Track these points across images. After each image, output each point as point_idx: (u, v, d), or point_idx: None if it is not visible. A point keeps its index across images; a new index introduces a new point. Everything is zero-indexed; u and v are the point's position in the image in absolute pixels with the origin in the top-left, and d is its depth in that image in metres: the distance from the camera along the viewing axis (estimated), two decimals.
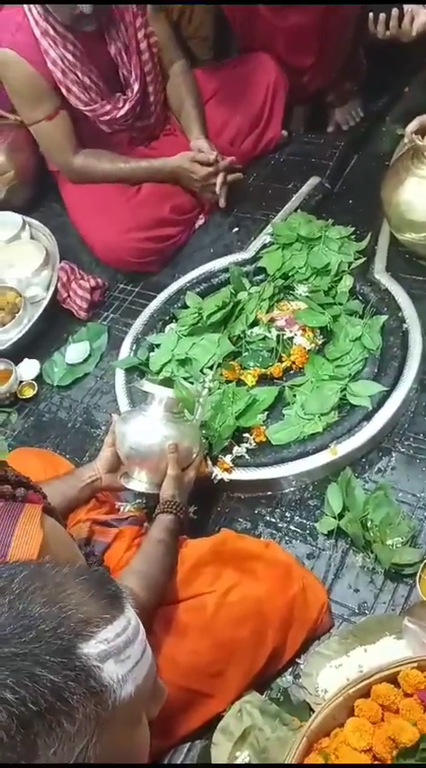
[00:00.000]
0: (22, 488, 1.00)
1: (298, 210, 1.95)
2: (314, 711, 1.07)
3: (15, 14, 1.87)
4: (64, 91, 1.95)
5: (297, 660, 1.26)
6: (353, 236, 1.81)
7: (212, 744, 1.17)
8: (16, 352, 1.96)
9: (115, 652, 0.54)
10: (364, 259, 1.75)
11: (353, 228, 1.82)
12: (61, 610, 0.54)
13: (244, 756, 1.14)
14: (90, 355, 1.92)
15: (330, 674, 1.20)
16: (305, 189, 2.02)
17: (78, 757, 0.50)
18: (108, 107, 2.00)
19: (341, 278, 1.72)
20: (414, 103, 2.21)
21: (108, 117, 2.02)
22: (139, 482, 1.39)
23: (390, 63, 2.29)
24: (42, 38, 1.87)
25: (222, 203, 2.03)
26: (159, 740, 1.19)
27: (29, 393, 1.90)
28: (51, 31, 1.86)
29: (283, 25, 2.05)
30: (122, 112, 2.02)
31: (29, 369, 1.93)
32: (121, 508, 1.47)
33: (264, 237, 1.92)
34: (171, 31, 2.11)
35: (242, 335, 1.68)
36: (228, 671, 1.21)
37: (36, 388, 1.90)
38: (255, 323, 1.69)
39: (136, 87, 2.00)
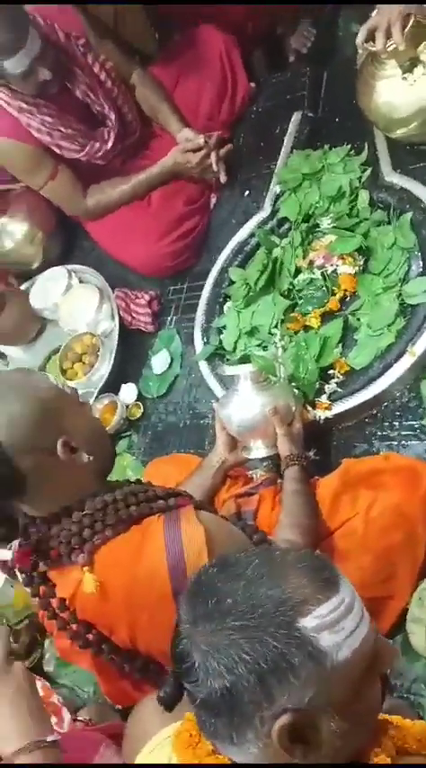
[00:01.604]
0: (171, 498, 1.21)
1: (294, 151, 2.03)
2: None
3: None
4: (56, 150, 2.13)
5: None
6: (352, 152, 1.88)
7: (409, 634, 1.36)
8: (113, 383, 2.18)
9: (329, 625, 0.70)
10: (370, 168, 1.81)
11: (349, 145, 1.89)
12: (283, 592, 0.71)
13: None
14: (172, 359, 2.11)
15: None
16: (291, 128, 2.09)
17: (308, 702, 0.69)
18: (97, 145, 2.16)
19: (356, 195, 1.80)
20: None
21: (101, 153, 2.17)
22: (258, 449, 1.58)
23: None
24: (20, 114, 2.05)
25: (223, 179, 2.14)
26: None
27: (137, 413, 2.12)
28: (25, 106, 2.03)
29: None
30: (111, 143, 2.17)
31: (129, 392, 2.15)
32: (253, 476, 1.65)
33: (274, 189, 2.02)
34: (117, 48, 2.23)
35: (291, 287, 1.80)
36: (397, 571, 1.38)
37: (141, 407, 2.12)
38: (298, 271, 1.81)
39: (112, 116, 2.14)
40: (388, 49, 1.56)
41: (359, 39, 1.59)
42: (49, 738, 0.92)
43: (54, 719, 1.37)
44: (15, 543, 1.22)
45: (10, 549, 1.25)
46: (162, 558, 1.09)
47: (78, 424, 1.16)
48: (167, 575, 1.08)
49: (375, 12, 1.59)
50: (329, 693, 0.70)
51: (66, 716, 1.40)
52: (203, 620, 0.73)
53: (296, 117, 2.11)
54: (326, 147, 1.93)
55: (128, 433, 2.12)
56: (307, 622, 0.70)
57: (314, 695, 0.69)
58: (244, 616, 0.70)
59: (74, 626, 1.17)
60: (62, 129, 2.09)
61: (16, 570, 1.25)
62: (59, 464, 1.11)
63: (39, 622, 1.88)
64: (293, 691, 0.69)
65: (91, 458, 1.14)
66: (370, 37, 1.58)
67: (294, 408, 1.57)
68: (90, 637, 1.17)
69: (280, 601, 0.71)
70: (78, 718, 1.50)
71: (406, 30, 1.53)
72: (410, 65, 1.58)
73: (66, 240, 2.63)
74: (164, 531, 1.12)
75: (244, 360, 1.65)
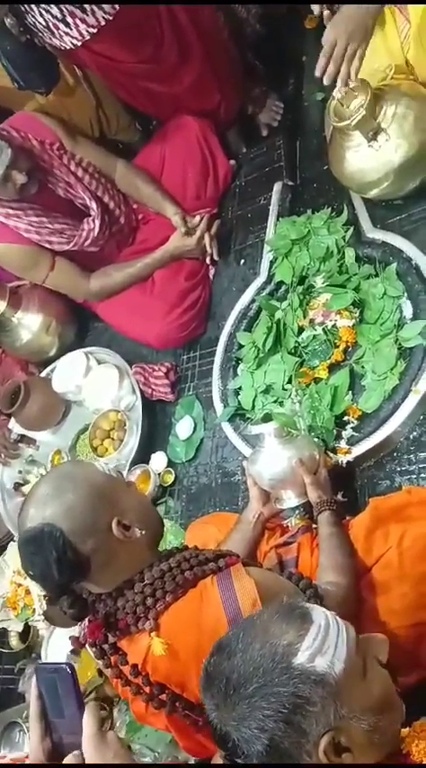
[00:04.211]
0: (220, 559, 1.33)
1: (280, 219, 2.20)
2: None
3: None
4: (47, 245, 2.33)
5: None
6: (334, 214, 2.04)
7: None
8: (143, 454, 2.31)
9: (317, 650, 0.84)
10: (352, 227, 1.97)
11: (329, 208, 2.05)
12: (272, 645, 0.85)
13: None
14: (195, 424, 2.24)
15: None
16: (274, 198, 2.27)
17: (334, 718, 0.82)
18: (84, 233, 2.35)
19: (343, 253, 1.96)
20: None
21: (89, 240, 2.37)
22: (290, 499, 1.70)
23: (276, 47, 2.53)
24: (7, 219, 2.26)
25: (216, 256, 2.33)
26: (421, 669, 1.48)
27: (170, 479, 2.25)
28: (11, 211, 2.25)
29: (181, 88, 2.32)
30: (96, 229, 2.36)
31: (159, 461, 2.28)
32: (289, 524, 1.77)
33: (268, 256, 2.18)
34: (96, 147, 2.45)
35: (296, 345, 1.95)
36: None
37: (173, 473, 2.24)
38: (301, 329, 1.96)
39: (94, 205, 2.34)
40: (352, 123, 1.74)
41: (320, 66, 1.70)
42: None
43: None
44: (85, 620, 1.34)
45: (82, 627, 1.37)
46: (221, 614, 1.20)
47: (127, 503, 1.28)
48: (228, 628, 1.18)
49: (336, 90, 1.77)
50: (346, 702, 0.83)
51: None
52: (222, 702, 0.86)
53: (277, 187, 2.28)
54: (309, 212, 2.10)
55: (164, 500, 2.24)
56: (300, 658, 0.84)
57: (335, 711, 0.82)
58: (251, 681, 0.84)
59: (147, 689, 1.27)
60: (49, 225, 2.30)
61: (86, 645, 1.37)
62: (116, 542, 1.23)
63: (106, 694, 1.99)
64: (318, 717, 0.82)
65: (143, 532, 1.27)
66: (336, 113, 1.77)
67: (317, 457, 1.70)
68: (163, 697, 1.27)
69: (272, 654, 0.84)
70: None
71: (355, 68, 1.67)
72: (373, 133, 1.76)
73: (80, 324, 2.80)
74: (218, 590, 1.23)
75: (266, 418, 1.78)
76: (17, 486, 2.66)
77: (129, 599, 1.25)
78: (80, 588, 1.27)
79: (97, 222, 2.35)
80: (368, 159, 1.80)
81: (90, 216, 2.35)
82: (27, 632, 2.32)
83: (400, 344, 1.75)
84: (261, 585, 1.22)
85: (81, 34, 2.13)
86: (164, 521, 2.16)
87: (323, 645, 0.85)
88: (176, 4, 2.19)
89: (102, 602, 1.28)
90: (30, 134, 2.26)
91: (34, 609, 2.22)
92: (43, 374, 2.73)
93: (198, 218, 2.29)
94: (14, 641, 2.36)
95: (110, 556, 1.24)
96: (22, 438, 2.71)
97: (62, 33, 2.14)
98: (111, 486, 1.27)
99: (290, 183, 2.29)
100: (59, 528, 1.17)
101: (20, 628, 2.31)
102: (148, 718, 1.39)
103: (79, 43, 2.17)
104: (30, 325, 2.68)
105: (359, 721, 0.83)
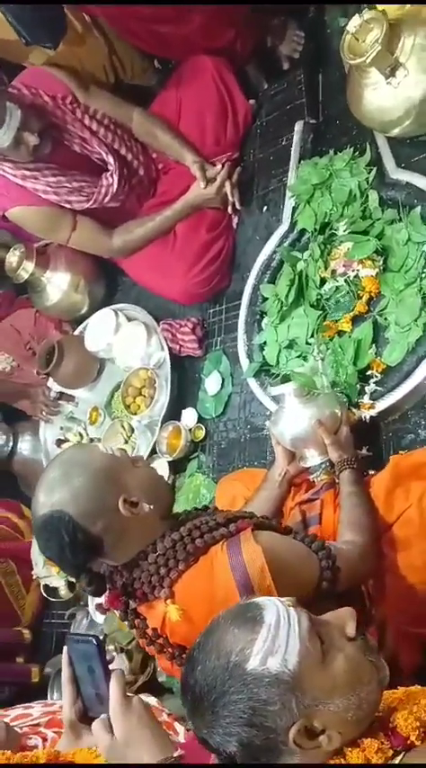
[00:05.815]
0: (231, 524, 1.34)
1: (301, 161, 2.09)
2: None
3: None
4: (66, 205, 2.30)
5: None
6: (357, 153, 1.93)
7: None
8: (174, 410, 2.33)
9: (268, 651, 0.85)
10: (375, 168, 1.87)
11: (352, 147, 1.94)
12: (226, 654, 0.86)
13: None
14: (223, 379, 2.23)
15: None
16: (296, 138, 2.14)
17: (299, 710, 0.82)
18: (103, 189, 2.30)
19: (366, 197, 1.86)
20: None
21: (108, 196, 2.32)
22: (313, 458, 1.69)
23: None
24: (24, 182, 2.22)
25: (238, 205, 2.24)
26: None
27: (200, 434, 2.26)
28: (27, 173, 2.21)
29: (192, 28, 2.20)
30: (115, 184, 2.30)
31: (189, 417, 2.30)
32: (315, 480, 1.77)
33: (289, 202, 2.09)
34: (110, 96, 2.36)
35: (319, 297, 1.88)
36: None
37: (203, 428, 2.25)
38: (323, 281, 1.89)
39: (110, 159, 2.28)
40: (368, 60, 1.62)
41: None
42: (175, 754, 1.08)
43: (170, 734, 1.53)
44: None
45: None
46: (231, 581, 1.23)
47: (133, 480, 1.31)
48: (237, 595, 1.21)
49: (349, 23, 1.65)
50: (307, 691, 0.84)
51: (180, 727, 1.56)
52: (192, 714, 0.89)
53: (298, 127, 2.15)
54: (331, 152, 1.99)
55: (196, 455, 2.26)
56: (251, 663, 0.84)
57: (297, 703, 0.83)
58: (210, 693, 0.85)
59: (170, 649, 1.33)
60: (67, 185, 2.25)
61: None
62: (126, 519, 1.27)
63: None
64: (280, 714, 0.83)
65: (151, 506, 1.29)
66: (351, 49, 1.65)
67: (340, 414, 1.67)
68: (185, 656, 1.32)
69: (226, 663, 0.85)
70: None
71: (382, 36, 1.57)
72: (391, 69, 1.63)
73: (109, 281, 2.78)
74: (228, 557, 1.26)
75: (287, 378, 1.76)
76: (60, 442, 2.73)
77: (144, 569, 1.30)
78: (98, 565, 1.31)
79: (115, 176, 2.30)
80: (387, 97, 1.67)
81: (108, 171, 2.30)
82: (74, 583, 2.45)
83: (424, 294, 1.67)
84: (269, 552, 1.24)
85: None
86: (198, 475, 2.21)
87: (273, 645, 0.85)
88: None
89: (118, 573, 1.33)
90: (41, 90, 2.20)
91: None
92: (76, 332, 2.75)
93: (218, 166, 2.21)
94: (63, 591, 2.52)
95: (122, 533, 1.28)
96: (61, 395, 2.77)
97: None
98: (116, 466, 1.30)
99: (312, 121, 2.15)
100: (68, 513, 1.21)
101: (61, 584, 2.44)
102: (175, 672, 1.45)
103: None
104: (59, 283, 2.69)
105: (326, 705, 0.84)
